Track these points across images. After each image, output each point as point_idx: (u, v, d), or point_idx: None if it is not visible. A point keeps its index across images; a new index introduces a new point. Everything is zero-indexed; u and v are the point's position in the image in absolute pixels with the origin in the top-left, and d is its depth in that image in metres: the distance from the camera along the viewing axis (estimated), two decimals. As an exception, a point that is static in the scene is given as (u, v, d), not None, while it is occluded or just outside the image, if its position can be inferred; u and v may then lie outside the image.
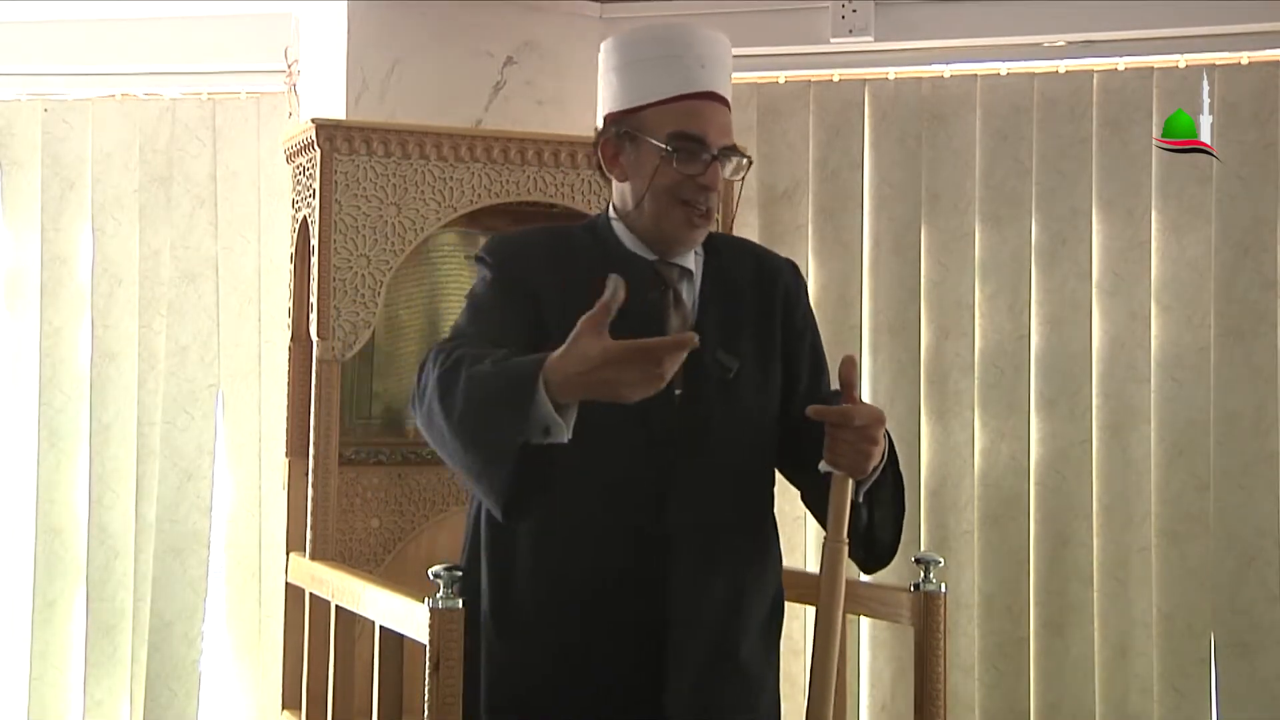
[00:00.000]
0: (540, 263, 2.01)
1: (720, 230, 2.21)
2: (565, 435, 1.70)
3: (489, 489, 1.75)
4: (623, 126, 2.02)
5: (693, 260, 2.08)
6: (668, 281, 2.05)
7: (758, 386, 2.05)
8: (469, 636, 2.06)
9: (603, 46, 2.09)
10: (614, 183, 2.07)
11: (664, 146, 1.97)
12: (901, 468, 3.77)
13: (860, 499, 1.97)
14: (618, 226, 2.06)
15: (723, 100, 2.02)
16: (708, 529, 1.99)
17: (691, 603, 1.97)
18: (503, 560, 1.99)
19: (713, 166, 1.98)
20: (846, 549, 1.94)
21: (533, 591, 1.97)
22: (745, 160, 2.03)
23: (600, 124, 2.09)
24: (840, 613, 1.95)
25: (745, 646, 2.04)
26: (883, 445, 1.95)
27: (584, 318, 1.66)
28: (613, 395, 1.67)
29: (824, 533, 1.99)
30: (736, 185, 2.10)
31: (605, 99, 2.07)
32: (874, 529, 2.04)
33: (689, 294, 2.06)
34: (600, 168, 2.08)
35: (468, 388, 1.75)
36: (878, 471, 1.97)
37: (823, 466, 1.93)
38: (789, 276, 2.17)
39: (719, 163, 1.99)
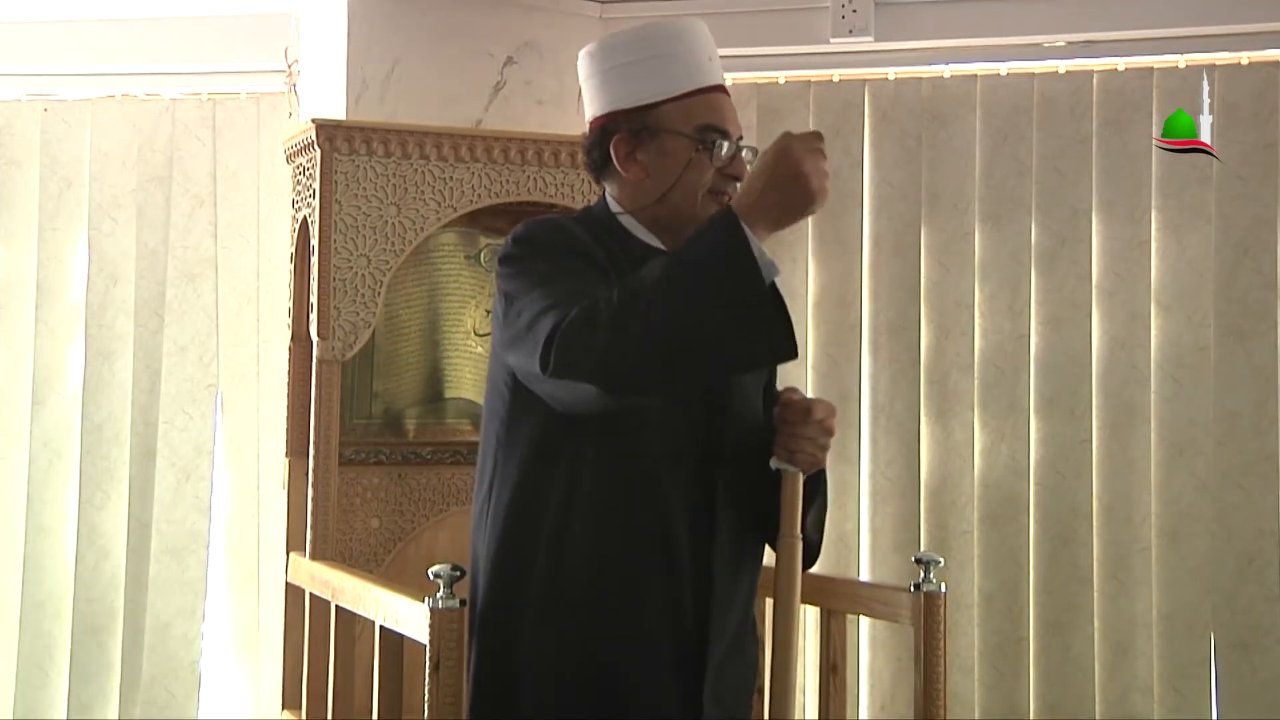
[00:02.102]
0: (585, 240, 2.00)
1: None
2: (777, 270, 1.76)
3: (757, 345, 1.75)
4: (636, 123, 2.02)
5: None
6: None
7: (754, 384, 2.08)
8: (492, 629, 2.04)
9: (592, 51, 2.08)
10: (619, 179, 2.06)
11: (697, 140, 2.00)
12: (902, 467, 3.80)
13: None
14: (627, 221, 2.05)
15: (728, 92, 2.07)
16: (738, 524, 2.02)
17: (728, 590, 2.02)
18: (553, 539, 1.96)
19: (738, 157, 2.02)
20: (800, 545, 1.96)
21: (591, 569, 1.96)
22: (753, 150, 2.07)
23: (591, 125, 2.08)
24: (798, 609, 1.97)
25: (750, 642, 2.10)
26: None
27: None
28: (808, 196, 1.76)
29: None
30: None
31: (604, 100, 2.06)
32: (811, 529, 2.07)
33: None
34: (596, 166, 2.07)
35: (672, 286, 1.75)
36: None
37: (774, 463, 1.95)
38: None
39: (740, 153, 2.03)
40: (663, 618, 1.96)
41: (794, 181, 1.76)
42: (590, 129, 2.09)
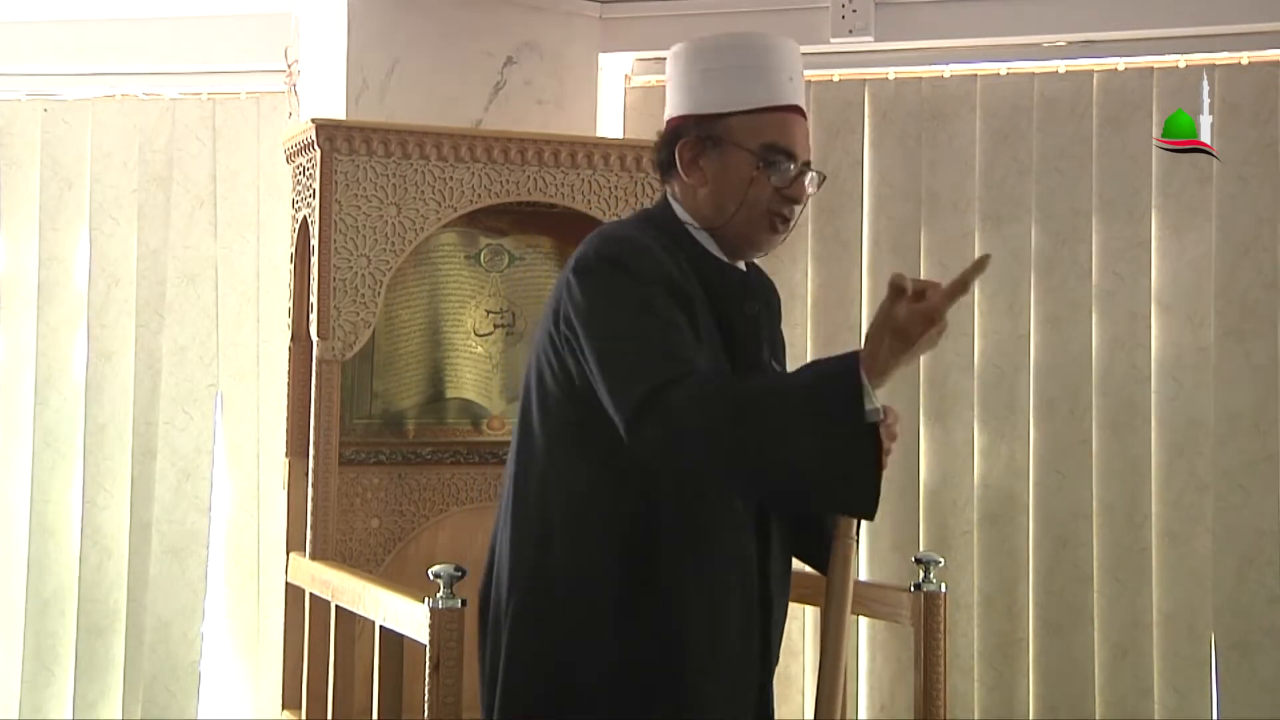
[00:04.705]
0: (672, 266, 1.98)
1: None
2: (880, 416, 1.77)
3: (854, 495, 1.79)
4: (705, 130, 2.01)
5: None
6: (756, 293, 2.09)
7: None
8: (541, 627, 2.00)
9: (679, 52, 2.08)
10: (680, 182, 2.05)
11: (759, 157, 1.99)
12: (901, 468, 3.79)
13: None
14: (699, 234, 2.04)
15: (804, 115, 2.05)
16: (782, 535, 2.04)
17: (781, 610, 2.04)
18: (639, 550, 1.95)
19: (799, 180, 2.00)
20: (855, 547, 1.96)
21: (677, 574, 1.95)
22: (821, 176, 2.06)
23: (666, 124, 2.08)
24: (849, 608, 1.95)
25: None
26: None
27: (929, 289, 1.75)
28: (910, 345, 1.76)
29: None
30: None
31: (680, 101, 2.05)
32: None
33: None
34: (662, 166, 2.07)
35: (778, 419, 1.78)
36: None
37: None
38: (777, 295, 2.22)
39: (803, 176, 2.01)
40: (737, 632, 1.97)
41: (897, 336, 1.76)
42: (665, 128, 2.08)
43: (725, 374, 1.91)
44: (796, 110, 2.03)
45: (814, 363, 1.88)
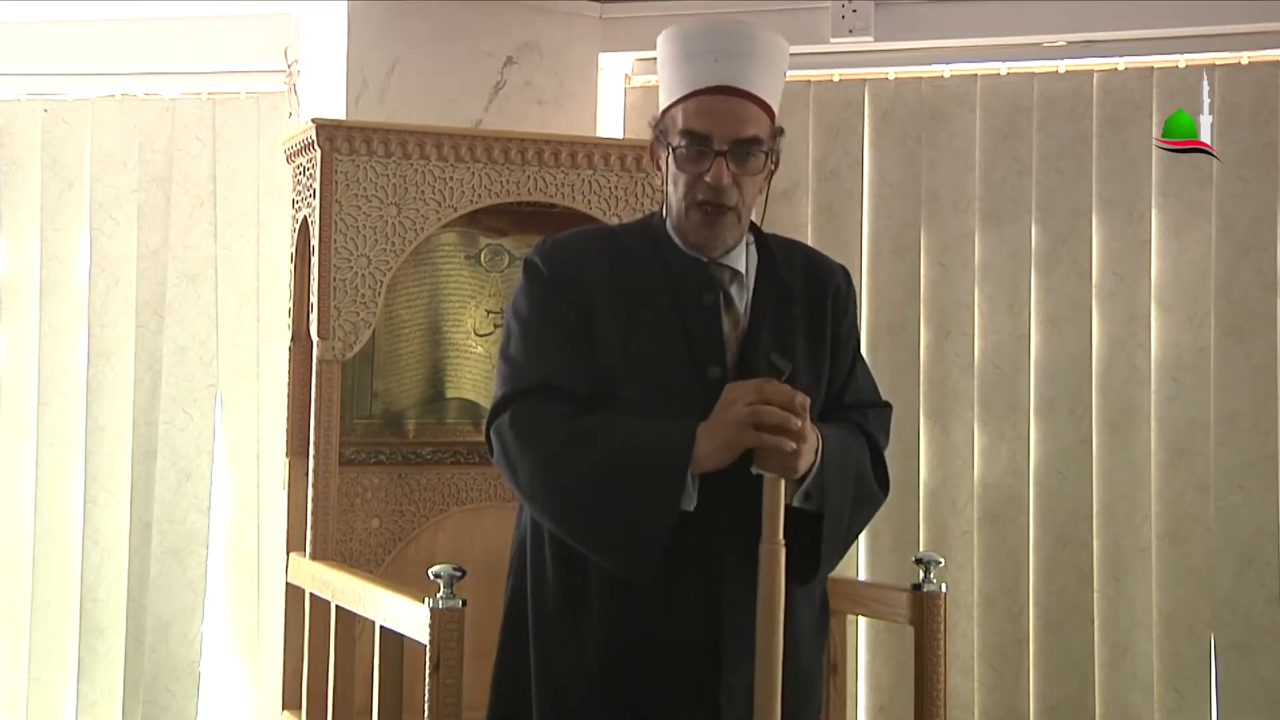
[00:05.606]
0: (595, 268, 2.00)
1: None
2: (691, 504, 1.87)
3: (627, 560, 1.89)
4: (657, 127, 2.03)
5: (744, 260, 2.06)
6: (717, 284, 2.02)
7: (807, 391, 1.95)
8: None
9: (658, 40, 2.06)
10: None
11: (669, 146, 1.98)
12: (901, 468, 3.73)
13: (795, 502, 1.93)
14: (669, 226, 2.05)
15: (739, 93, 1.94)
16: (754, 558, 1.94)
17: (746, 603, 1.93)
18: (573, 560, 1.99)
19: (717, 163, 1.93)
20: (783, 551, 1.87)
21: (599, 587, 1.98)
22: (764, 153, 1.97)
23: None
24: (780, 616, 1.86)
25: (804, 649, 2.03)
26: (814, 443, 1.91)
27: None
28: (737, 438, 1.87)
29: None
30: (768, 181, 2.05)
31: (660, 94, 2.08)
32: (829, 544, 1.99)
33: (740, 295, 2.04)
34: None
35: (601, 469, 1.88)
36: (814, 471, 1.93)
37: (754, 469, 1.88)
38: (840, 281, 2.14)
39: (726, 159, 1.93)
40: (668, 651, 1.95)
41: (727, 429, 1.87)
42: None
43: (566, 409, 1.94)
44: (721, 91, 1.94)
45: (652, 432, 1.90)
